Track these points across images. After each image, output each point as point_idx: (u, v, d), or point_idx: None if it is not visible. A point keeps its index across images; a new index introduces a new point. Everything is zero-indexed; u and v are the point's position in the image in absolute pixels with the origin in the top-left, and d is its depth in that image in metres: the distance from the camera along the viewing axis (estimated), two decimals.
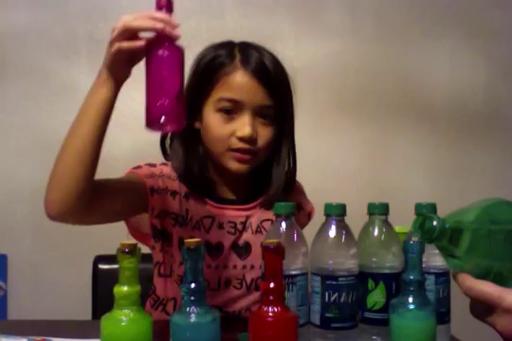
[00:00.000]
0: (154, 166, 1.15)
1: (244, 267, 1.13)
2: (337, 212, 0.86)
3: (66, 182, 1.00)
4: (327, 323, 0.83)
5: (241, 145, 1.06)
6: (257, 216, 1.15)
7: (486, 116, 2.01)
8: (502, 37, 2.02)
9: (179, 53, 0.89)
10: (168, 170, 1.14)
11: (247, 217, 1.14)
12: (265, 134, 1.08)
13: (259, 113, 1.07)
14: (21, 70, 1.92)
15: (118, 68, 0.94)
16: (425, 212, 0.89)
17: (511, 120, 2.03)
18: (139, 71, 1.95)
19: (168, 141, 1.16)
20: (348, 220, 0.87)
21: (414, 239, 0.75)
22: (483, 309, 0.69)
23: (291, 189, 1.18)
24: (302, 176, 1.95)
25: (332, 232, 0.85)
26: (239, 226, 1.13)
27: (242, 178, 1.15)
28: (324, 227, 0.86)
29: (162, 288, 1.14)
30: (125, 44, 0.92)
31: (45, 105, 1.92)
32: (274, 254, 0.72)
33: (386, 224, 0.88)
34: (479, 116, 2.01)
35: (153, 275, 1.16)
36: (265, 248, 0.72)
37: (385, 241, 0.87)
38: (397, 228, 0.90)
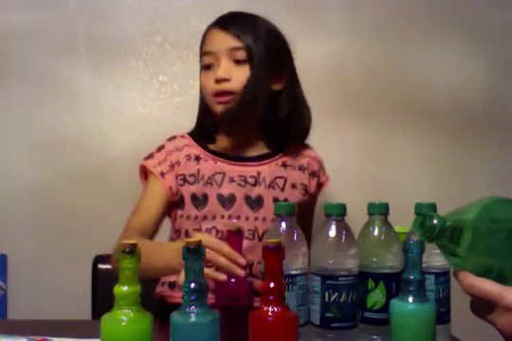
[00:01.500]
0: (162, 148, 1.28)
1: (256, 219, 1.19)
2: (337, 212, 0.86)
3: None
4: (327, 323, 0.83)
5: (216, 86, 1.19)
6: (270, 172, 1.23)
7: (487, 116, 2.01)
8: (503, 37, 2.02)
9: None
10: (173, 143, 1.28)
11: (259, 172, 1.22)
12: (239, 74, 1.19)
13: (232, 57, 1.20)
14: (21, 70, 1.92)
15: None
16: (425, 212, 0.89)
17: (511, 121, 2.03)
18: (140, 72, 1.96)
19: None
20: (348, 220, 0.87)
21: (415, 238, 0.76)
22: (483, 307, 0.69)
23: (302, 135, 1.31)
24: None
25: (332, 232, 0.85)
26: (249, 180, 1.22)
27: (252, 140, 1.26)
28: (324, 227, 0.86)
29: None
30: (211, 274, 0.87)
31: (45, 105, 1.92)
32: (274, 254, 0.72)
33: (386, 223, 0.89)
34: (479, 117, 2.01)
35: None
36: (265, 248, 0.72)
37: (385, 240, 0.87)
38: (397, 228, 0.90)
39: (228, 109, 1.19)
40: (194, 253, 0.69)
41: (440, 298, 0.87)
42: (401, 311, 0.78)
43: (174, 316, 0.70)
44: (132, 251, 0.69)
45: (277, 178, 1.24)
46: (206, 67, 1.24)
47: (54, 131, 1.92)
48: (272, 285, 0.71)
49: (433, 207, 0.88)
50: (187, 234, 1.20)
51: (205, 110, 1.28)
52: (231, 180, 1.21)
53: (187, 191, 1.21)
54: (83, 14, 1.92)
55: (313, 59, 1.95)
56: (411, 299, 0.77)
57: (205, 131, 1.28)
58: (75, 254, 1.87)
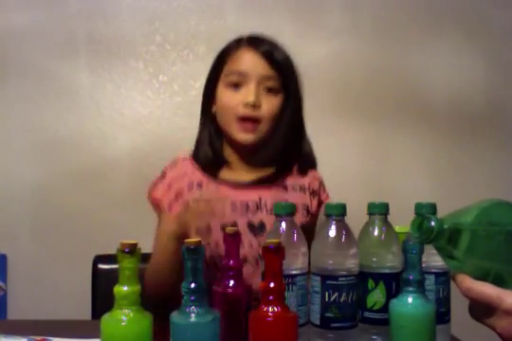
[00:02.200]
0: (164, 176, 1.21)
1: (259, 245, 1.17)
2: (337, 212, 0.86)
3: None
4: (327, 323, 0.83)
5: (246, 111, 1.15)
6: (271, 196, 1.20)
7: (486, 116, 2.01)
8: (503, 37, 2.02)
9: None
10: (174, 170, 1.21)
11: (260, 198, 1.19)
12: (269, 103, 1.17)
13: (263, 84, 1.17)
14: (21, 70, 1.92)
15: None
16: (425, 212, 0.89)
17: (511, 120, 2.03)
18: (140, 72, 1.95)
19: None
20: (348, 220, 0.87)
21: (412, 239, 0.75)
22: (482, 310, 0.68)
23: (309, 164, 1.27)
24: None
25: (332, 232, 0.85)
26: (251, 206, 1.19)
27: (254, 163, 1.23)
28: (324, 227, 0.86)
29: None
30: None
31: (45, 105, 1.92)
32: (274, 254, 0.72)
33: (386, 223, 0.88)
34: (479, 116, 2.01)
35: None
36: (265, 248, 0.72)
37: (385, 240, 0.87)
38: (397, 228, 0.90)
39: (253, 138, 1.17)
40: (194, 253, 0.69)
41: (440, 298, 0.87)
42: (401, 311, 0.78)
43: (174, 316, 0.70)
44: (132, 251, 0.69)
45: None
46: (232, 86, 1.18)
47: (54, 131, 1.92)
48: (272, 285, 0.71)
49: (433, 207, 0.88)
50: None
51: (215, 130, 1.23)
52: (234, 208, 1.18)
53: None
54: (83, 14, 1.92)
55: (313, 59, 1.95)
56: (410, 299, 0.77)
57: (215, 155, 1.22)
58: (75, 254, 1.87)
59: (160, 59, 1.93)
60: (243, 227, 1.17)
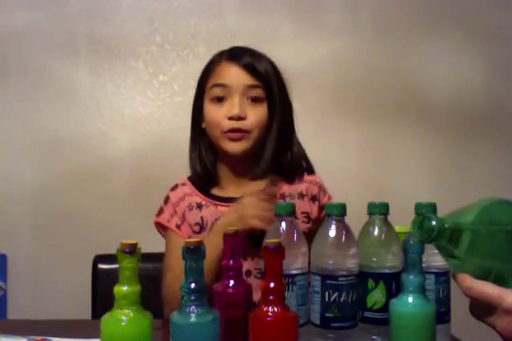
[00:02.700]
0: (168, 200, 1.23)
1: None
2: (337, 212, 0.86)
3: None
4: (327, 323, 0.83)
5: (231, 124, 1.15)
6: None
7: (486, 116, 2.01)
8: (503, 37, 2.02)
9: None
10: (175, 193, 1.23)
11: None
12: (254, 113, 1.16)
13: (247, 94, 1.16)
14: (21, 70, 1.92)
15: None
16: (425, 212, 0.89)
17: (511, 120, 2.03)
18: (140, 72, 1.95)
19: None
20: (348, 220, 0.87)
21: (413, 239, 0.75)
22: (482, 309, 0.68)
23: (298, 171, 1.25)
24: None
25: (332, 232, 0.85)
26: None
27: (248, 175, 1.22)
28: (324, 227, 0.86)
29: None
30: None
31: (45, 105, 1.92)
32: (274, 254, 0.72)
33: (386, 223, 0.88)
34: (479, 116, 2.01)
35: None
36: (265, 248, 0.72)
37: (385, 240, 0.87)
38: (397, 228, 0.90)
39: (242, 148, 1.16)
40: (194, 253, 0.69)
41: (440, 298, 0.87)
42: (401, 311, 0.78)
43: (174, 316, 0.70)
44: (132, 251, 0.69)
45: None
46: (216, 100, 1.18)
47: (54, 131, 1.92)
48: (272, 285, 0.71)
49: (433, 207, 0.88)
50: None
51: (207, 146, 1.23)
52: None
53: None
54: (83, 14, 1.92)
55: (313, 59, 1.95)
56: (410, 299, 0.77)
57: (205, 172, 1.22)
58: (75, 254, 1.87)
59: (160, 59, 1.93)
60: (243, 240, 1.16)
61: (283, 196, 1.22)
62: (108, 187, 1.90)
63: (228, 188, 1.23)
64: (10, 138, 1.92)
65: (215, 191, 1.22)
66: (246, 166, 1.21)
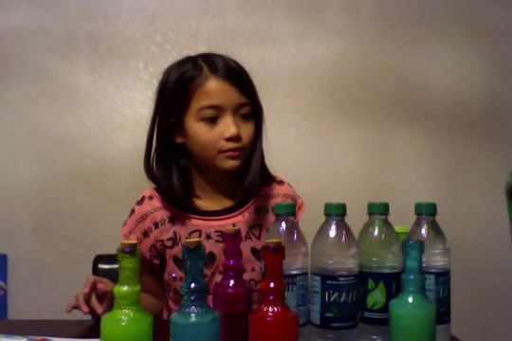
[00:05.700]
0: (132, 213, 1.22)
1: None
2: (337, 212, 0.86)
3: None
4: (327, 323, 0.83)
5: (230, 145, 1.13)
6: (244, 222, 1.18)
7: (487, 116, 2.01)
8: (503, 37, 2.02)
9: None
10: (141, 208, 1.20)
11: (234, 225, 1.17)
12: (247, 130, 1.15)
13: (238, 112, 1.14)
14: (21, 70, 1.92)
15: None
16: (424, 212, 0.89)
17: (511, 120, 2.03)
18: (140, 72, 1.95)
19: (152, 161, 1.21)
20: (348, 220, 0.87)
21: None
22: None
23: (267, 179, 1.24)
24: (303, 176, 1.95)
25: (332, 232, 0.85)
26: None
27: (224, 190, 1.21)
28: (324, 227, 0.86)
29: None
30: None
31: (45, 105, 1.92)
32: (274, 254, 0.72)
33: (386, 223, 0.88)
34: (479, 116, 2.01)
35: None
36: (265, 248, 0.72)
37: (385, 240, 0.87)
38: (397, 228, 0.90)
39: (239, 163, 1.15)
40: (194, 253, 0.69)
41: (440, 298, 0.87)
42: (401, 311, 0.78)
43: (174, 316, 0.70)
44: (132, 251, 0.69)
45: (252, 227, 1.18)
46: (207, 120, 1.12)
47: (54, 131, 1.92)
48: (272, 285, 0.71)
49: (433, 207, 0.88)
50: (176, 292, 1.18)
51: (184, 161, 1.19)
52: (208, 237, 1.16)
53: (169, 255, 1.17)
54: (83, 14, 1.92)
55: (313, 59, 1.95)
56: (410, 299, 0.77)
57: (182, 187, 1.17)
58: (75, 254, 1.87)
59: (160, 59, 1.92)
60: (219, 256, 1.15)
61: (258, 210, 1.21)
62: (108, 187, 1.90)
63: (205, 201, 1.20)
64: (10, 138, 1.92)
65: (189, 204, 1.19)
66: (228, 181, 1.20)
